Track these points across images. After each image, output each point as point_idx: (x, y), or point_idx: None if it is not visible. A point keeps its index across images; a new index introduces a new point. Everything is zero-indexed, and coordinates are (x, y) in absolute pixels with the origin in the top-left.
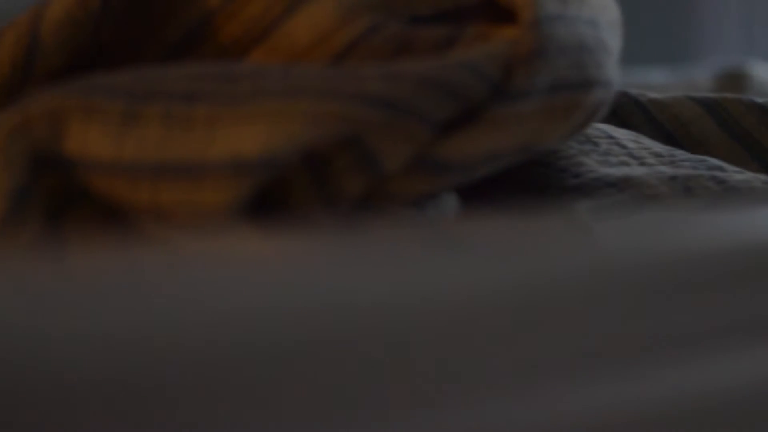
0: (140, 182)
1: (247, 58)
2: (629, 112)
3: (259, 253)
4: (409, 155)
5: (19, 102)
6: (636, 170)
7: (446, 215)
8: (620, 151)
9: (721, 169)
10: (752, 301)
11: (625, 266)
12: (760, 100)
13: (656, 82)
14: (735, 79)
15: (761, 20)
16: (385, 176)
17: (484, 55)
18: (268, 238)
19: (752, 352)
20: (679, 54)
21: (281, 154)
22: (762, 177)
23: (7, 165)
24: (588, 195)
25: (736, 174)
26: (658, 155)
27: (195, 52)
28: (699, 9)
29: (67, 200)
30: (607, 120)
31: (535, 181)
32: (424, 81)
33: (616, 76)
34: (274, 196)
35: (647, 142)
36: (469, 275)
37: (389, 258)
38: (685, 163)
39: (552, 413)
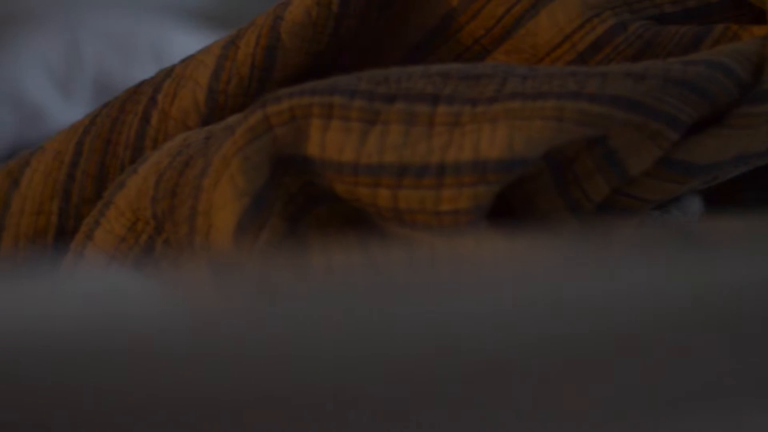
0: (380, 184)
1: (487, 58)
2: None
3: (502, 255)
4: (655, 157)
5: (258, 103)
6: None
7: (691, 217)
8: None
9: None
10: None
11: None
12: None
13: None
14: None
15: None
16: (630, 178)
17: (735, 54)
18: (511, 241)
19: None
20: None
21: (523, 156)
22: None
23: (247, 166)
24: None
25: None
26: None
27: (434, 52)
28: None
29: (306, 201)
30: None
31: None
32: (671, 81)
33: None
34: (515, 199)
35: None
36: (713, 276)
37: (634, 260)
38: None
39: None
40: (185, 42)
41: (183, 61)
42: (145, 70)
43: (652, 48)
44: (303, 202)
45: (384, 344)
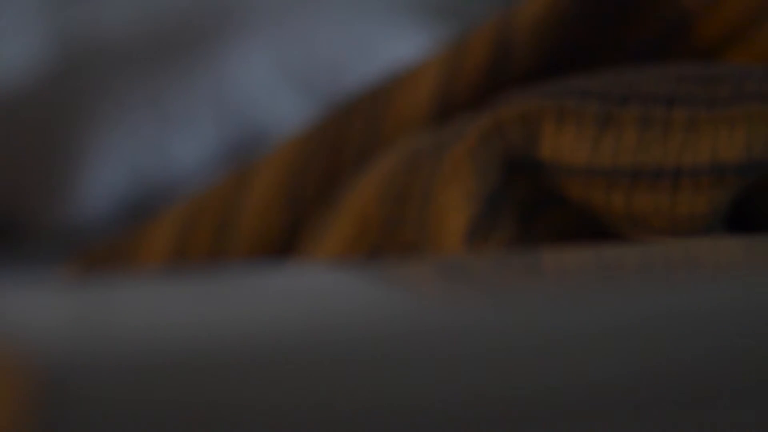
0: (614, 187)
1: (720, 59)
2: None
3: (740, 261)
4: None
5: (491, 106)
6: None
7: None
8: None
9: None
10: None
11: None
12: None
13: None
14: None
15: None
16: None
17: None
18: (748, 247)
19: None
20: None
21: (762, 159)
22: None
23: (480, 169)
24: None
25: None
26: None
27: (667, 54)
28: None
29: (536, 204)
30: None
31: None
32: None
33: None
34: (752, 203)
35: None
36: None
37: None
38: None
39: None
40: (410, 39)
41: (409, 62)
42: (371, 70)
43: None
44: (533, 204)
45: (622, 346)
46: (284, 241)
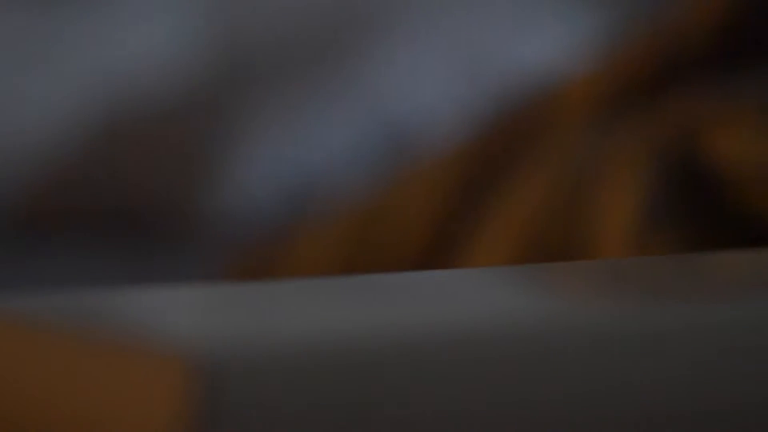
0: None
1: None
2: None
3: None
4: None
5: (655, 108)
6: None
7: None
8: None
9: None
10: None
11: None
12: None
13: None
14: None
15: None
16: None
17: None
18: None
19: None
20: None
21: None
22: None
23: (645, 177)
24: None
25: None
26: None
27: None
28: None
29: (702, 211)
30: None
31: None
32: None
33: None
34: None
35: None
36: None
37: None
38: None
39: None
40: (554, 31)
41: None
42: (515, 65)
43: None
44: (699, 212)
45: None
46: (441, 248)
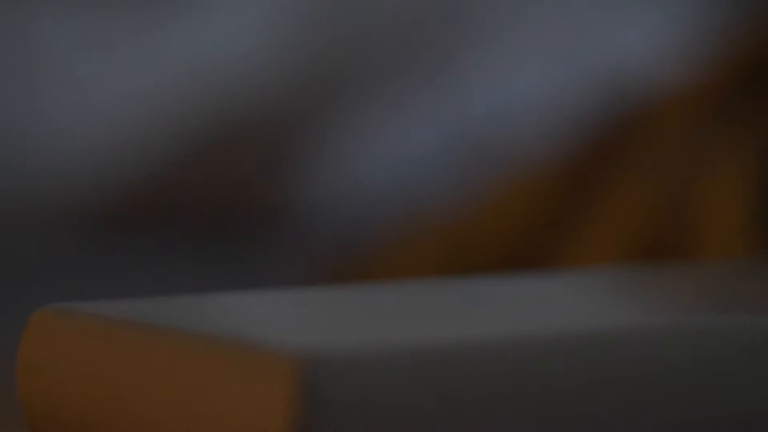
0: None
1: None
2: None
3: None
4: None
5: (762, 106)
6: None
7: None
8: None
9: None
10: None
11: None
12: None
13: None
14: None
15: None
16: None
17: None
18: None
19: None
20: None
21: None
22: None
23: (752, 176)
24: None
25: None
26: None
27: None
28: None
29: None
30: None
31: None
32: None
33: None
34: None
35: None
36: None
37: None
38: None
39: None
40: (644, 23)
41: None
42: (600, 59)
43: None
44: None
45: None
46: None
